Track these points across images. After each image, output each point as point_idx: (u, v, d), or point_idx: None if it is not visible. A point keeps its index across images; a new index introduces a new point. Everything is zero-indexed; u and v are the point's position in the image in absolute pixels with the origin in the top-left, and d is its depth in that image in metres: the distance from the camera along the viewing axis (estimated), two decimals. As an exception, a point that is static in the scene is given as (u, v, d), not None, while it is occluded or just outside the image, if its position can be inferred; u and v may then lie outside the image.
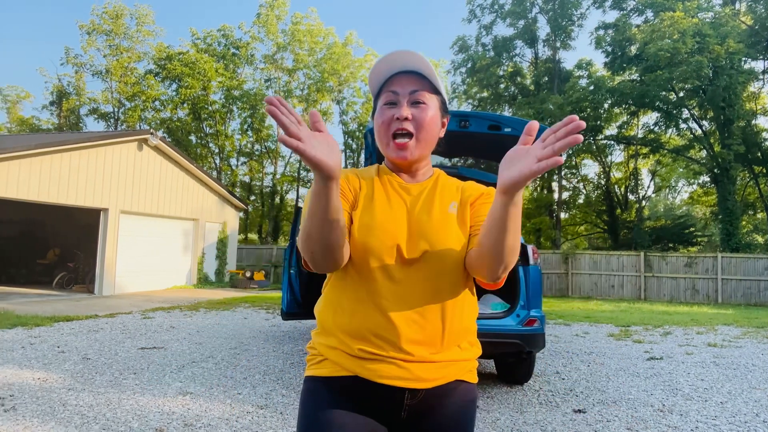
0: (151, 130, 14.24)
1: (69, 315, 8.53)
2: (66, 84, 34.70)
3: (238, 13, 62.76)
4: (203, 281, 16.48)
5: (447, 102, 1.28)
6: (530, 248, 4.59)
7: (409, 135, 1.17)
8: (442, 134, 1.27)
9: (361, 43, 34.35)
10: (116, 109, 34.14)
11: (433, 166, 1.40)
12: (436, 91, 1.21)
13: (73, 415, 3.62)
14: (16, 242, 16.14)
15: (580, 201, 28.05)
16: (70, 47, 35.76)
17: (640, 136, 25.74)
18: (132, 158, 13.60)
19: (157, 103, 33.17)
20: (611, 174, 27.60)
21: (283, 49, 32.98)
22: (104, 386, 4.38)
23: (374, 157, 4.38)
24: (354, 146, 35.23)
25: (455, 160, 5.01)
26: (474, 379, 1.23)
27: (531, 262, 4.53)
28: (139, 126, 32.45)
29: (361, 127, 33.46)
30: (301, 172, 34.52)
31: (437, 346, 1.13)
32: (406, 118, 1.16)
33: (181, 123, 32.66)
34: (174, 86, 32.60)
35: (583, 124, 0.89)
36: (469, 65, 27.50)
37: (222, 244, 17.55)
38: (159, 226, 14.73)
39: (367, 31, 62.61)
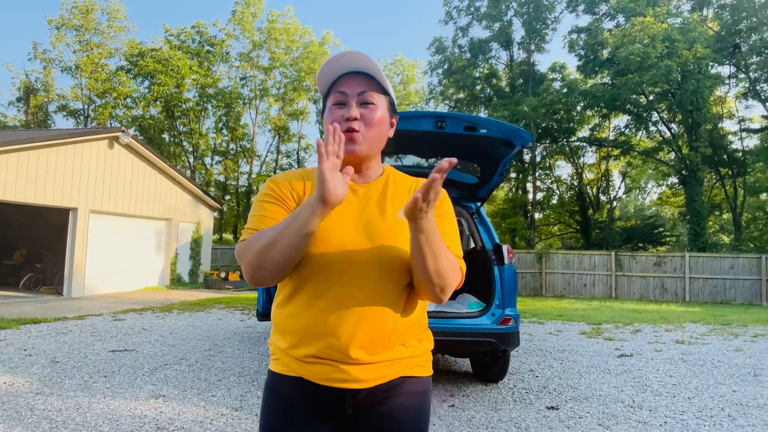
0: (123, 128, 13.92)
1: (36, 317, 8.29)
2: (34, 80, 33.64)
3: (213, 10, 61.88)
4: (176, 282, 16.20)
5: (395, 102, 1.29)
6: (505, 248, 4.65)
7: (353, 131, 1.19)
8: (391, 134, 1.28)
9: (339, 42, 34.21)
10: (86, 106, 33.25)
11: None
12: (384, 91, 1.23)
13: (41, 419, 3.52)
14: (-21, 243, 15.60)
15: (554, 201, 28.53)
16: (39, 42, 34.72)
17: (611, 138, 26.31)
18: (102, 156, 13.28)
19: (128, 100, 32.42)
20: (584, 175, 28.14)
21: (258, 47, 32.64)
22: (73, 390, 4.27)
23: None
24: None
25: (432, 160, 5.03)
26: (425, 372, 1.25)
27: (506, 261, 4.59)
28: (110, 124, 31.66)
29: (338, 127, 33.34)
30: (278, 171, 34.18)
31: (378, 348, 1.15)
32: (355, 118, 1.18)
33: (154, 121, 32.01)
34: (146, 83, 31.93)
35: (454, 160, 0.94)
36: (446, 66, 27.69)
37: (196, 244, 17.29)
38: (131, 226, 14.42)
39: (345, 30, 62.47)
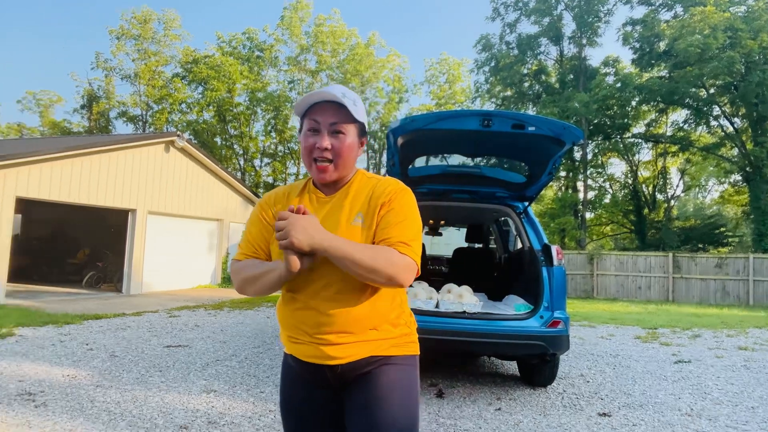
0: (178, 132, 14.48)
1: (98, 313, 8.74)
2: (96, 88, 35.57)
3: (263, 15, 63.55)
4: (227, 281, 16.71)
5: (366, 125, 1.49)
6: (554, 248, 4.52)
7: (329, 161, 1.40)
8: (360, 153, 1.50)
9: (384, 43, 34.32)
10: (144, 112, 34.86)
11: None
12: (354, 120, 1.41)
13: (100, 411, 3.70)
14: (48, 242, 16.61)
15: (606, 200, 27.52)
16: (101, 52, 36.66)
17: (668, 134, 25.12)
18: (159, 160, 13.87)
19: (183, 105, 33.77)
20: (639, 173, 27.01)
21: (306, 50, 33.22)
22: (131, 383, 4.47)
23: (396, 157, 4.37)
24: (376, 146, 35.27)
25: (478, 159, 4.95)
26: (404, 351, 1.48)
27: (555, 262, 4.45)
28: (166, 128, 33.09)
29: (384, 128, 33.48)
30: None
31: (346, 333, 1.38)
32: (326, 148, 1.38)
33: (207, 125, 33.17)
34: (200, 89, 33.14)
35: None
36: (493, 64, 27.25)
37: (246, 244, 17.75)
38: (184, 227, 14.99)
39: (390, 30, 62.67)
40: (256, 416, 3.72)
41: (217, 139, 33.66)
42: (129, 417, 3.59)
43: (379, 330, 1.43)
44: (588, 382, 5.07)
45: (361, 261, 1.27)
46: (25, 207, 14.64)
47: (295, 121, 33.65)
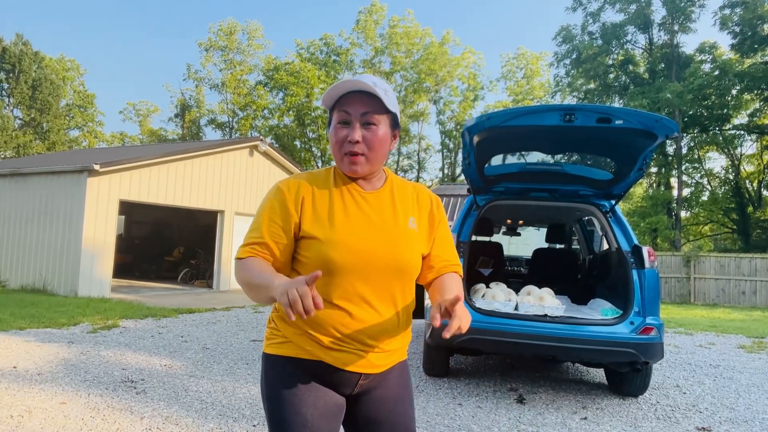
0: (261, 137, 15.20)
1: (191, 307, 9.36)
2: (188, 98, 38.20)
3: (340, 20, 65.12)
4: (308, 279, 17.27)
5: (398, 117, 1.38)
6: (645, 249, 4.22)
7: (361, 154, 1.29)
8: (393, 147, 1.39)
9: (458, 41, 33.99)
10: (230, 119, 36.92)
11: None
12: (386, 110, 1.30)
13: (193, 400, 3.95)
14: (147, 241, 18.06)
15: (704, 198, 25.42)
16: (191, 64, 39.34)
17: (777, 123, 22.77)
18: (244, 163, 14.62)
19: (266, 111, 35.40)
20: (741, 167, 24.69)
21: (380, 53, 33.63)
22: (221, 374, 4.74)
23: (472, 156, 4.29)
24: (451, 146, 34.97)
25: (559, 156, 4.74)
26: (405, 356, 1.45)
27: (647, 265, 4.16)
28: (250, 133, 34.87)
29: (459, 126, 33.10)
30: (399, 173, 34.87)
31: (390, 338, 1.33)
32: (357, 141, 1.27)
33: (287, 129, 34.55)
34: (281, 95, 34.58)
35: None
36: (574, 56, 26.09)
37: (325, 243, 18.26)
38: (268, 227, 15.67)
39: (465, 27, 61.86)
40: (336, 412, 3.80)
41: (297, 143, 34.97)
42: (219, 406, 3.80)
43: (404, 336, 1.40)
44: (684, 393, 4.70)
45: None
46: (127, 209, 16.01)
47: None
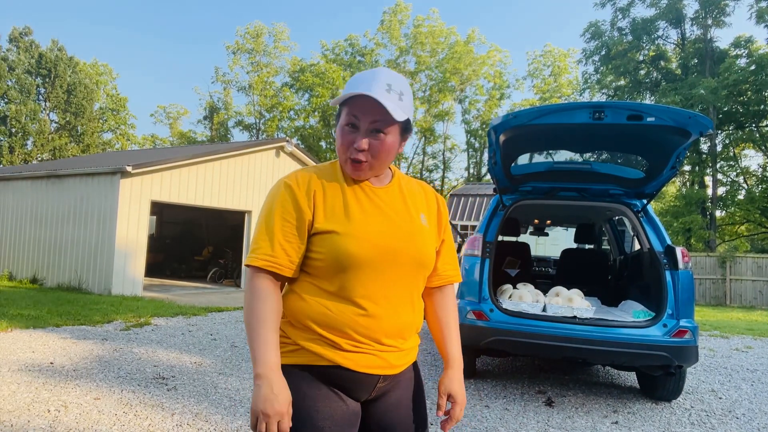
0: (287, 138, 15.35)
1: (220, 306, 9.52)
2: (216, 100, 38.88)
3: (365, 21, 65.34)
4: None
5: (411, 121, 1.30)
6: (679, 250, 4.11)
7: (365, 161, 1.24)
8: (401, 149, 1.34)
9: (484, 38, 33.73)
10: (257, 120, 37.43)
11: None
12: (397, 121, 1.21)
13: (222, 397, 4.02)
14: (178, 241, 18.46)
15: (741, 197, 24.58)
16: (219, 67, 40.00)
17: (819, 119, 21.86)
18: (270, 164, 14.80)
19: (291, 112, 35.75)
20: (780, 165, 23.78)
21: (405, 52, 33.61)
22: (249, 372, 4.80)
23: (498, 155, 4.24)
24: (476, 145, 34.70)
25: (587, 155, 4.65)
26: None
27: (680, 266, 4.05)
28: (277, 135, 35.29)
29: (484, 125, 32.82)
30: (424, 173, 34.80)
31: (406, 337, 1.30)
32: (363, 150, 1.22)
33: (313, 130, 34.84)
34: (306, 96, 34.89)
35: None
36: (603, 52, 25.55)
37: (350, 243, 18.34)
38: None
39: (491, 25, 61.29)
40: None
41: (322, 143, 35.20)
42: (247, 404, 3.85)
43: (417, 335, 1.39)
44: (720, 398, 4.55)
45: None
46: (159, 209, 16.39)
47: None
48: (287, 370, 1.21)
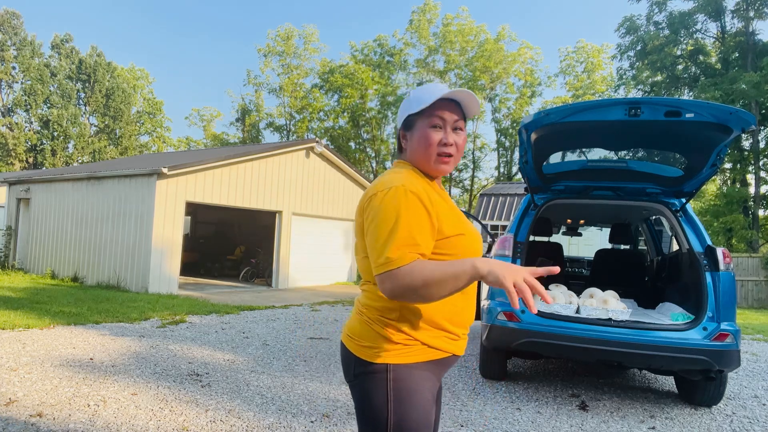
0: (317, 139, 15.48)
1: (252, 305, 9.68)
2: (248, 102, 39.54)
3: (394, 21, 65.33)
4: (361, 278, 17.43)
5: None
6: (720, 251, 3.96)
7: (451, 155, 1.43)
8: None
9: (515, 36, 33.19)
10: (288, 122, 37.89)
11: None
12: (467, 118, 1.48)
13: (254, 395, 4.08)
14: (211, 241, 18.84)
15: (786, 195, 23.52)
16: (251, 70, 40.72)
17: None
18: (301, 165, 14.96)
19: (321, 114, 36.04)
20: (829, 162, 22.66)
21: (434, 52, 33.44)
22: (280, 371, 4.86)
23: (530, 154, 4.17)
24: (507, 144, 34.26)
25: (623, 153, 4.53)
26: None
27: (721, 267, 3.90)
28: (307, 135, 35.64)
29: (515, 124, 32.38)
30: (453, 172, 34.50)
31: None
32: (452, 144, 1.42)
33: (342, 131, 35.03)
34: (335, 97, 35.12)
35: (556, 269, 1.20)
36: (639, 47, 24.85)
37: (379, 243, 18.35)
38: (323, 226, 15.98)
39: (522, 21, 60.41)
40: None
41: (351, 144, 35.38)
42: (278, 402, 3.90)
43: None
44: (764, 405, 4.37)
45: None
46: (193, 209, 16.77)
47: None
48: (409, 369, 1.34)
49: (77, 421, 3.30)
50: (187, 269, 15.54)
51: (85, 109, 35.10)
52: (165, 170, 10.99)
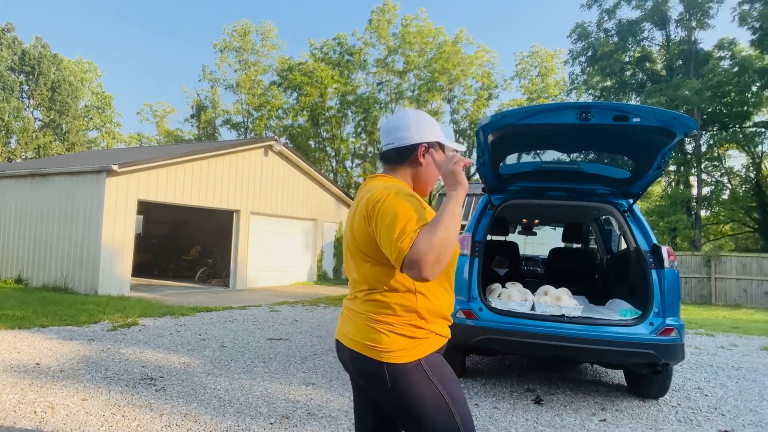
0: (275, 137, 15.28)
1: (208, 306, 9.46)
2: (203, 98, 38.54)
3: (353, 20, 65.21)
4: (322, 278, 17.35)
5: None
6: (665, 249, 4.17)
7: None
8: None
9: (472, 39, 33.75)
10: (245, 119, 37.17)
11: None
12: None
13: (211, 398, 3.99)
14: (165, 240, 18.28)
15: (725, 197, 24.97)
16: (206, 65, 39.73)
17: (800, 120, 22.25)
18: (259, 163, 14.73)
19: (280, 111, 35.55)
20: (762, 165, 24.21)
21: (393, 52, 33.55)
22: (238, 372, 4.78)
23: (486, 155, 4.27)
24: (465, 145, 34.76)
25: (575, 155, 4.69)
26: None
27: (666, 264, 4.11)
28: (265, 133, 35.07)
29: (473, 125, 32.93)
30: (414, 172, 34.64)
31: None
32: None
33: (301, 129, 34.67)
34: (294, 95, 34.71)
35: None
36: (590, 53, 25.77)
37: (339, 242, 18.33)
38: (283, 226, 15.79)
39: (479, 25, 61.49)
40: (352, 411, 3.81)
41: (311, 143, 35.05)
42: (236, 404, 3.84)
43: None
44: (706, 395, 4.63)
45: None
46: (146, 208, 16.22)
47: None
48: (432, 358, 1.55)
49: (23, 429, 3.14)
50: (139, 270, 15.02)
51: (29, 103, 33.32)
52: (115, 167, 10.59)
